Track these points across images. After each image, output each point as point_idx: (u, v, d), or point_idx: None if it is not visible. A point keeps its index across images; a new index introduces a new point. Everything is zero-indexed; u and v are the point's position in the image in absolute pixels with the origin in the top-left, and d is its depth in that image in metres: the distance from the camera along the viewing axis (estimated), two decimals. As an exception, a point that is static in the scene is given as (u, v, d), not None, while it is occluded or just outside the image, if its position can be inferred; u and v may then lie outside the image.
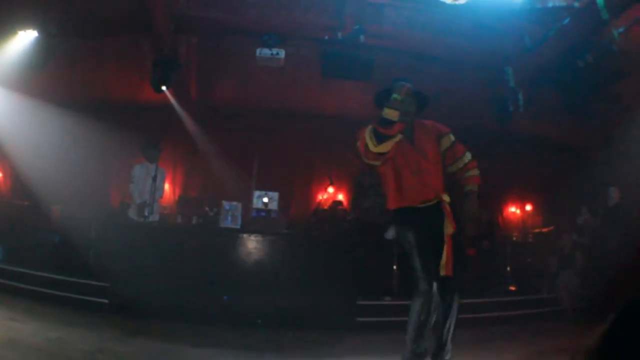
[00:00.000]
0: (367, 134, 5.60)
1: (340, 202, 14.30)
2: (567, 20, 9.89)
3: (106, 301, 9.37)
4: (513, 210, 17.31)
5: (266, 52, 10.80)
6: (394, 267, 10.92)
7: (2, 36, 11.06)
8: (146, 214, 10.71)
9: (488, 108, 12.71)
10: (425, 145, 5.94)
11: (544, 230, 15.38)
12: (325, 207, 14.32)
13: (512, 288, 12.48)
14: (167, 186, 12.67)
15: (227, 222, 10.34)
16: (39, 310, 8.20)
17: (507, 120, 12.36)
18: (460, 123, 13.76)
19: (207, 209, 12.01)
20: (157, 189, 11.07)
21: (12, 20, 10.78)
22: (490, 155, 14.80)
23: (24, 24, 10.89)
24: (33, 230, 11.96)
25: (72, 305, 9.21)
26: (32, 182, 12.62)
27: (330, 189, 15.09)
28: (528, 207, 17.13)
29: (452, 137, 6.09)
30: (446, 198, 5.81)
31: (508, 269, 12.61)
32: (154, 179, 10.83)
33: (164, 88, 11.67)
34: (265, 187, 11.06)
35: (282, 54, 10.84)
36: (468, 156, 6.07)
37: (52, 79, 12.28)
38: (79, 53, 12.04)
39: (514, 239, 15.08)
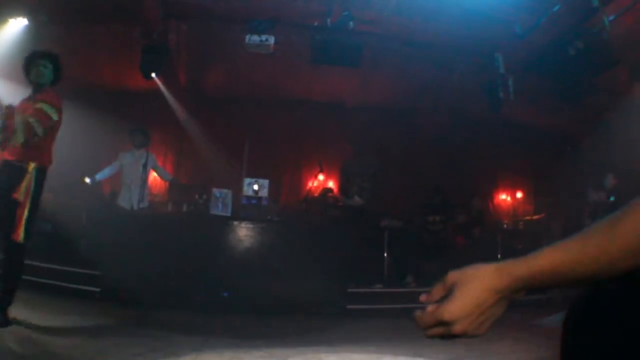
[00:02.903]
0: None
1: (330, 189, 14.32)
2: (557, 8, 9.87)
3: (98, 289, 9.40)
4: (503, 197, 17.32)
5: (255, 38, 10.76)
6: (385, 254, 10.96)
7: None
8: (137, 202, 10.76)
9: (478, 95, 12.71)
10: (40, 109, 6.32)
11: (535, 217, 15.42)
12: (316, 194, 14.33)
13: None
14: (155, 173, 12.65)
15: (218, 210, 10.33)
16: (32, 298, 8.19)
17: (498, 107, 12.36)
18: (451, 110, 13.91)
19: (197, 196, 11.98)
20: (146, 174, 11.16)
21: (3, 7, 10.74)
22: (481, 142, 14.87)
23: (14, 11, 10.85)
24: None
25: (64, 293, 9.25)
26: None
27: (321, 176, 15.10)
28: (519, 195, 17.15)
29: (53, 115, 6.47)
30: (29, 165, 6.22)
31: (499, 256, 12.62)
32: (144, 166, 10.83)
33: (153, 75, 11.67)
34: (256, 175, 11.05)
35: (271, 40, 10.81)
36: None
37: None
38: (68, 40, 11.96)
39: (505, 226, 15.09)
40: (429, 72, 13.08)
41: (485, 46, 11.83)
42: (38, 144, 6.31)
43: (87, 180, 11.19)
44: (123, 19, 11.73)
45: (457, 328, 1.50)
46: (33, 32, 11.04)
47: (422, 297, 1.61)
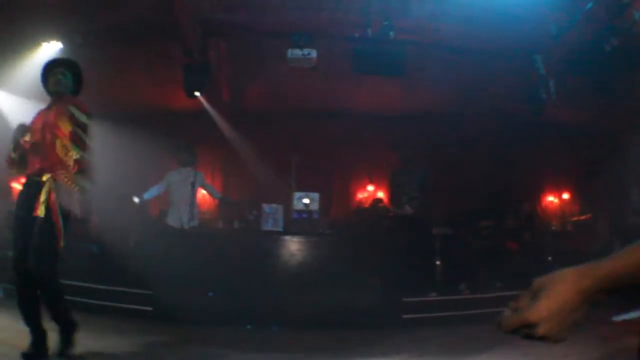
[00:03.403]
0: None
1: (380, 200, 14.33)
2: (590, 5, 9.81)
3: (150, 308, 9.41)
4: (551, 199, 17.17)
5: (297, 52, 10.73)
6: (437, 262, 10.88)
7: (26, 48, 11.09)
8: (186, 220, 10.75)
9: (521, 97, 12.64)
10: (61, 119, 5.91)
11: (582, 218, 15.25)
12: (366, 206, 14.31)
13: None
14: (204, 191, 12.64)
15: (269, 225, 10.27)
16: (81, 320, 8.21)
17: (541, 109, 12.28)
18: (495, 113, 13.82)
19: (247, 212, 11.95)
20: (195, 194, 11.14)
21: (35, 31, 10.81)
22: (526, 144, 14.77)
23: (47, 35, 10.91)
24: (71, 241, 11.96)
25: (114, 314, 9.26)
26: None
27: (370, 187, 15.11)
28: (565, 196, 16.99)
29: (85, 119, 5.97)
30: (44, 177, 5.74)
31: (549, 258, 12.49)
32: (193, 184, 10.80)
33: (197, 93, 11.68)
34: (305, 188, 10.99)
35: (313, 53, 10.75)
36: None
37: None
38: (105, 62, 11.97)
39: (554, 228, 14.93)
40: (470, 77, 13.01)
41: (523, 48, 11.76)
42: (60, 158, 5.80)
43: (136, 199, 11.15)
44: (160, 39, 11.77)
45: (541, 330, 1.51)
46: (68, 55, 11.04)
47: (511, 305, 1.62)
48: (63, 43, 10.99)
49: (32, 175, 5.83)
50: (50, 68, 6.40)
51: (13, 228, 5.87)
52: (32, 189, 5.76)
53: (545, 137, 15.20)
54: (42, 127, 5.90)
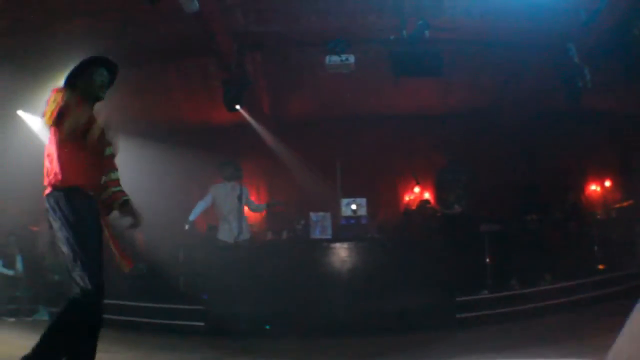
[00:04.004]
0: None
1: (427, 201, 14.30)
2: (615, -9, 9.79)
3: (202, 324, 9.45)
4: (593, 188, 17.00)
5: (335, 59, 10.70)
6: (487, 259, 10.86)
7: (59, 73, 11.16)
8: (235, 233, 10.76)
9: (557, 88, 12.56)
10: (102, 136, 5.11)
11: (625, 204, 15.12)
12: (414, 207, 14.29)
13: (601, 267, 12.27)
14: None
15: (317, 233, 10.29)
16: (133, 339, 8.26)
17: (577, 97, 12.19)
18: (533, 105, 13.74)
19: (295, 222, 11.96)
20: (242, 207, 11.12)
21: (69, 56, 10.84)
22: (566, 135, 14.69)
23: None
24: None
25: (166, 331, 9.37)
26: (113, 213, 12.67)
27: (417, 189, 15.05)
28: (607, 183, 16.82)
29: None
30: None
31: (595, 248, 12.40)
32: (239, 198, 10.85)
33: (237, 107, 11.69)
34: (351, 194, 11.00)
35: (351, 59, 10.70)
36: (117, 174, 5.42)
37: (118, 109, 12.35)
38: (142, 81, 12.04)
39: (598, 217, 14.80)
40: (506, 71, 12.98)
41: (556, 37, 11.69)
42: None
43: (186, 226, 11.01)
44: (196, 56, 11.84)
45: None
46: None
47: None
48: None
49: (93, 189, 4.98)
50: (96, 67, 5.52)
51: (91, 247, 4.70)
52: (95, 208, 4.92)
53: (584, 126, 15.09)
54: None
